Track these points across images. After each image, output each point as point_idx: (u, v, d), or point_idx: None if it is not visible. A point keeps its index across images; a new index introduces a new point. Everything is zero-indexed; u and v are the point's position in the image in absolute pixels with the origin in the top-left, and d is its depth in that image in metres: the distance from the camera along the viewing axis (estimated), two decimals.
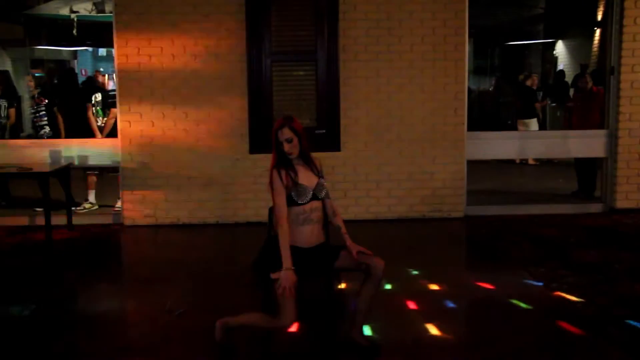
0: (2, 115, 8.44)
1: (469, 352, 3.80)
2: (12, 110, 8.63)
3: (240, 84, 6.94)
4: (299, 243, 3.57)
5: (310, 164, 3.67)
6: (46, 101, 8.07)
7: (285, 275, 3.35)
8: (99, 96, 8.03)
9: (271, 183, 3.54)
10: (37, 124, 8.24)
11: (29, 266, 5.67)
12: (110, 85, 9.28)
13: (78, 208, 7.50)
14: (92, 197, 7.76)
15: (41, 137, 8.07)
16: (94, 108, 7.92)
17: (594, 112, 8.13)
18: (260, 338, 3.78)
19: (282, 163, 3.57)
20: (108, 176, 7.95)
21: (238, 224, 6.99)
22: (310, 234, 3.60)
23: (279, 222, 3.48)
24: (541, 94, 11.61)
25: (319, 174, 3.68)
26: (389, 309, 4.40)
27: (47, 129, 8.03)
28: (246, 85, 6.91)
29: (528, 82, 11.43)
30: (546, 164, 11.08)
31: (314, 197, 3.60)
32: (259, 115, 6.90)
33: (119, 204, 7.65)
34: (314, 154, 3.78)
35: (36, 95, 8.11)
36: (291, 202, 3.53)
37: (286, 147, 3.55)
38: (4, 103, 8.46)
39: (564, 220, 7.07)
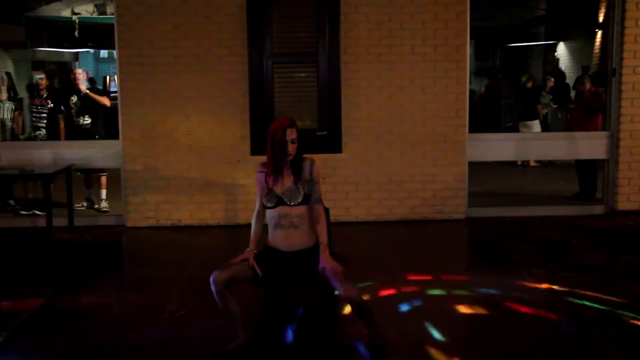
0: (9, 118, 8.39)
1: (469, 353, 3.80)
2: (17, 113, 8.64)
3: (241, 86, 6.94)
4: (277, 245, 3.69)
5: (295, 168, 3.64)
6: (51, 105, 7.96)
7: (244, 252, 3.71)
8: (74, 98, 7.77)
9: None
10: (34, 124, 8.15)
11: (29, 267, 5.67)
12: (111, 87, 9.24)
13: (76, 205, 7.50)
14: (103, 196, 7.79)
15: (35, 138, 7.99)
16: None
17: (592, 114, 8.12)
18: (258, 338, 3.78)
19: (274, 163, 3.63)
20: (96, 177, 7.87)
21: (239, 225, 6.99)
22: (284, 238, 3.66)
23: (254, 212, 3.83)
24: (551, 97, 11.58)
25: (297, 180, 3.62)
26: (390, 310, 4.40)
27: (43, 131, 7.92)
28: (248, 87, 6.91)
29: (529, 85, 11.42)
30: (547, 166, 11.07)
31: (281, 203, 3.61)
32: (261, 117, 6.90)
33: (103, 204, 7.67)
34: (314, 155, 3.79)
35: (44, 96, 7.98)
36: (265, 205, 3.71)
37: (290, 147, 3.59)
38: (10, 105, 8.41)
39: (565, 222, 7.06)
